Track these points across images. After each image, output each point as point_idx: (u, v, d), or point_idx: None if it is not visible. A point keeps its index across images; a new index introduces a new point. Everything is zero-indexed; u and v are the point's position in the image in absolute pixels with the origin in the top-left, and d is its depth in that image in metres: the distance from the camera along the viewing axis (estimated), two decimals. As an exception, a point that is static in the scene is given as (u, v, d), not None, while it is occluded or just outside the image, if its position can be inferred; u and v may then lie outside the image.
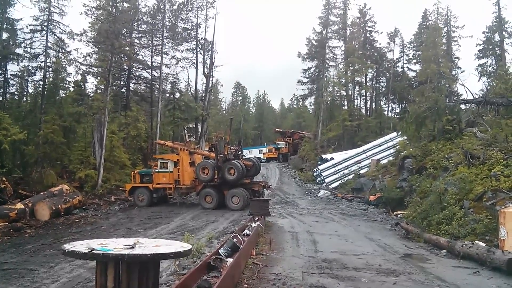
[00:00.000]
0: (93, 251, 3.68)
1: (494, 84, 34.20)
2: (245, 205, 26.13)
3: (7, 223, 19.94)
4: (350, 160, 42.66)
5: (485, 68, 53.84)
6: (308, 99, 72.32)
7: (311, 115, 76.61)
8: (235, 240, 11.45)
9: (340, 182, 40.80)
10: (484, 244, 13.19)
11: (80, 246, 3.86)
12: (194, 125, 49.43)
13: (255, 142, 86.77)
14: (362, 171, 40.16)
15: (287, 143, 66.64)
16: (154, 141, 40.08)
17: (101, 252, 3.66)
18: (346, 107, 59.61)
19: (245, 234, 13.76)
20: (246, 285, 9.40)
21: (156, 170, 29.45)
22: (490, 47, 53.68)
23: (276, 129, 74.91)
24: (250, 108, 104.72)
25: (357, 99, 65.30)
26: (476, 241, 13.67)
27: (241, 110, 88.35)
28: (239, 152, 29.79)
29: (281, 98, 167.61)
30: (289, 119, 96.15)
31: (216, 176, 27.50)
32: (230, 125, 33.31)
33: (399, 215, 23.92)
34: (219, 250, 10.37)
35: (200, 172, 27.90)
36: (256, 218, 17.96)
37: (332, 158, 45.04)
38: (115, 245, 4.02)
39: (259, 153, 64.50)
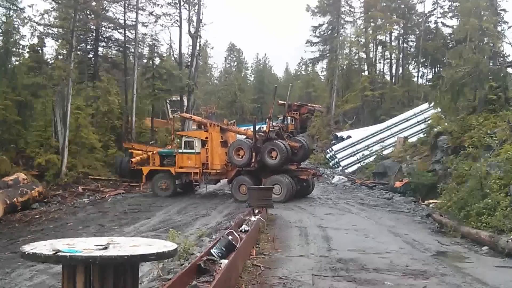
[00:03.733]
0: (58, 253, 3.73)
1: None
2: (289, 196, 26.35)
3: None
4: (371, 139, 42.83)
5: (538, 23, 53.28)
6: (319, 63, 72.57)
7: (323, 83, 76.79)
8: (230, 237, 11.63)
9: (358, 165, 41.06)
10: (534, 239, 12.94)
11: (43, 247, 3.93)
12: (179, 98, 49.46)
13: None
14: (385, 152, 40.27)
15: (293, 119, 66.39)
16: (179, 114, 40.22)
17: (68, 254, 3.72)
18: (366, 72, 59.39)
19: (243, 230, 14.03)
20: (244, 291, 9.30)
21: (179, 151, 29.58)
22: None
23: (280, 101, 74.21)
24: (248, 76, 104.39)
25: (380, 62, 65.10)
26: (525, 236, 13.38)
27: (236, 79, 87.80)
28: (284, 130, 29.68)
29: (286, 63, 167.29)
30: (296, 89, 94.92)
31: (253, 160, 27.36)
32: (274, 95, 33.35)
33: (430, 205, 24.25)
34: (211, 250, 10.51)
35: (234, 154, 27.83)
36: (256, 211, 18.16)
37: (349, 136, 45.20)
38: (85, 246, 4.11)
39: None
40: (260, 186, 24.45)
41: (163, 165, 30.16)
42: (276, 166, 27.14)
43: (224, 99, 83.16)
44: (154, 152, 31.10)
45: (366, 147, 42.36)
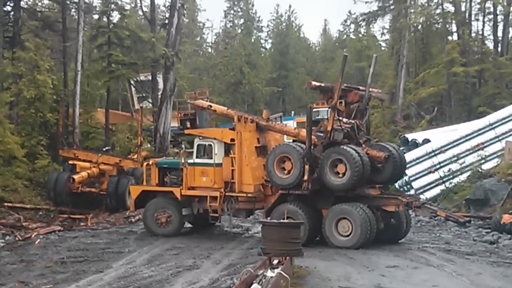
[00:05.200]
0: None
1: None
2: (365, 239, 23.87)
3: None
4: (463, 144, 39.56)
5: None
6: (378, 21, 68.39)
7: (383, 53, 72.98)
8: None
9: (442, 187, 37.90)
10: None
11: None
12: (150, 77, 46.18)
13: (273, 108, 78.95)
14: (487, 166, 37.12)
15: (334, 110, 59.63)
16: (190, 101, 36.60)
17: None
18: (455, 37, 55.95)
19: (254, 295, 14.26)
20: None
21: (188, 161, 27.15)
22: None
23: (314, 82, 66.93)
24: (262, 42, 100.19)
25: (477, 20, 60.86)
26: None
27: (243, 47, 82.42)
28: (361, 130, 26.40)
29: (324, 20, 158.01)
30: (340, 63, 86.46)
31: (306, 177, 24.21)
32: (343, 69, 28.15)
33: None
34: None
35: (275, 167, 24.87)
36: (275, 261, 17.42)
37: (426, 141, 42.16)
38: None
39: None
40: (282, 220, 21.21)
41: (163, 184, 28.10)
42: (345, 189, 24.08)
43: (223, 79, 78.32)
44: (151, 162, 29.10)
45: (455, 158, 38.82)
